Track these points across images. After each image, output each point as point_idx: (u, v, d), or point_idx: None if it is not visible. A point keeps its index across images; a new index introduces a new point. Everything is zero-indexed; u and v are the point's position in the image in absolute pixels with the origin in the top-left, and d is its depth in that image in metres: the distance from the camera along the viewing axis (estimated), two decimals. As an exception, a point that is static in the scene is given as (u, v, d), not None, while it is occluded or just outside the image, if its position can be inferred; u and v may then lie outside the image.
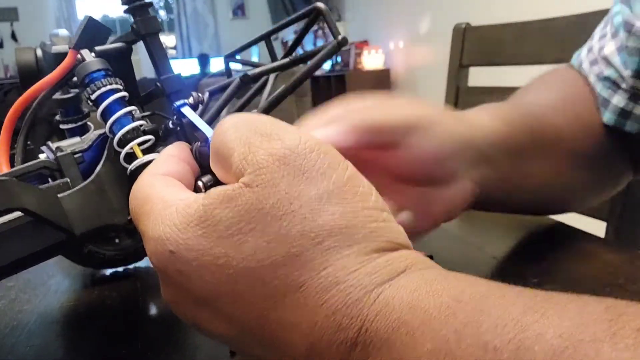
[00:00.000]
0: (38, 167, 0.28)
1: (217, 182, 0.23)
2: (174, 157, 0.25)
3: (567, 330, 0.15)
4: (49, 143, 0.30)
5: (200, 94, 0.27)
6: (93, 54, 0.28)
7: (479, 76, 1.04)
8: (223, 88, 0.29)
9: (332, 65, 4.97)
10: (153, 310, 0.39)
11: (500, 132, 0.38)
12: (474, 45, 0.98)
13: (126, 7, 0.28)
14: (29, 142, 0.32)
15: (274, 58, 0.31)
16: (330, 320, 0.18)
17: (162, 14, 6.68)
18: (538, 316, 0.16)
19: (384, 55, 4.43)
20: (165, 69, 0.28)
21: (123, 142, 0.27)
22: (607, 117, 0.45)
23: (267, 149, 0.20)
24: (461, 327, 0.16)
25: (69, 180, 0.28)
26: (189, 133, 0.26)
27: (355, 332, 0.18)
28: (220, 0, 6.60)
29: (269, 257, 0.19)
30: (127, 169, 0.27)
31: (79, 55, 0.28)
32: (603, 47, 0.47)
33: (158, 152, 0.27)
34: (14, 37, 5.78)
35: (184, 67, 5.35)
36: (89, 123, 0.33)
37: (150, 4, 0.28)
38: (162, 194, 0.22)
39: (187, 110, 0.26)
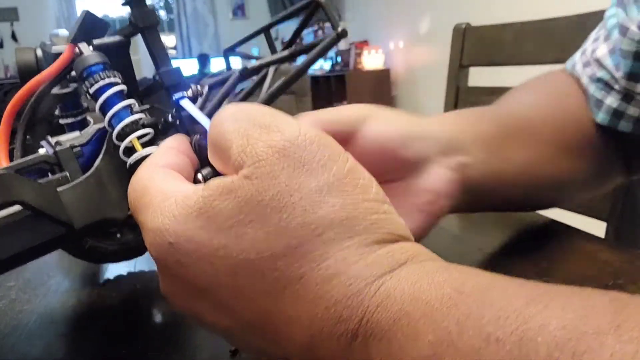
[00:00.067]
0: (37, 162, 0.28)
1: (216, 175, 0.23)
2: (173, 149, 0.24)
3: (571, 322, 0.15)
4: (48, 137, 0.30)
5: (199, 87, 0.27)
6: (91, 48, 0.28)
7: (479, 76, 1.04)
8: (222, 81, 0.29)
9: (332, 66, 4.98)
10: (153, 311, 0.39)
11: (464, 124, 0.39)
12: (474, 45, 0.98)
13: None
14: (28, 137, 0.32)
15: (273, 51, 0.31)
16: (331, 311, 0.18)
17: (162, 14, 6.69)
18: (541, 308, 0.16)
19: (384, 55, 4.44)
20: (163, 62, 0.28)
21: (122, 136, 0.27)
22: (601, 117, 0.46)
23: (267, 141, 0.20)
24: (463, 318, 0.16)
25: (68, 174, 0.28)
26: (188, 126, 0.26)
27: (356, 323, 0.18)
28: (220, 0, 6.61)
29: (268, 249, 0.19)
30: (126, 162, 0.27)
31: (76, 49, 0.28)
32: (596, 49, 0.48)
33: (157, 145, 0.27)
34: (14, 37, 5.79)
35: (184, 67, 5.35)
36: (88, 117, 0.33)
37: None
38: (161, 186, 0.22)
39: (186, 103, 0.26)
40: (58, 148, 0.28)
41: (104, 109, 0.27)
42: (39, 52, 0.32)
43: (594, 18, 0.63)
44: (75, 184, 0.27)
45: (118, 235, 0.41)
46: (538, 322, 0.15)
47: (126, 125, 0.27)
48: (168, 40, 6.50)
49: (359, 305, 0.18)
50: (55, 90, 0.32)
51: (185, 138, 0.26)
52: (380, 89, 4.26)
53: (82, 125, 0.33)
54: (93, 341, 0.35)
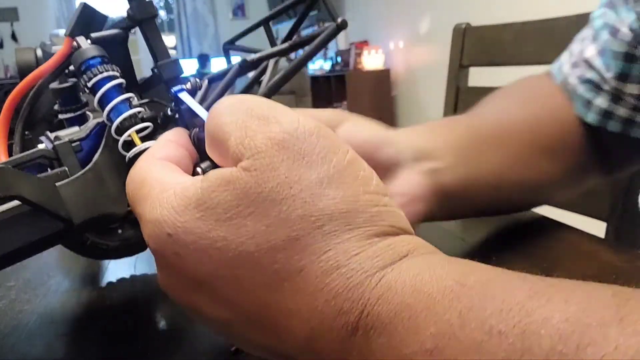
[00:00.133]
0: (36, 156, 0.28)
1: (216, 169, 0.23)
2: (172, 142, 0.24)
3: (574, 315, 0.15)
4: (48, 133, 0.30)
5: (198, 79, 0.27)
6: (89, 41, 0.28)
7: (479, 76, 1.03)
8: (222, 74, 0.28)
9: (332, 66, 4.99)
10: (153, 311, 0.39)
11: (434, 133, 0.41)
12: (474, 45, 0.98)
13: None
14: (27, 133, 0.32)
15: (273, 44, 0.31)
16: (331, 304, 0.18)
17: (162, 14, 6.68)
18: (544, 300, 0.16)
19: (384, 55, 4.44)
20: (162, 54, 0.27)
21: (121, 130, 0.27)
22: (591, 117, 0.47)
23: (265, 132, 0.20)
24: (465, 311, 0.16)
25: (67, 169, 0.27)
26: (187, 119, 0.26)
27: (356, 316, 0.18)
28: (220, 0, 6.61)
29: (268, 241, 0.19)
30: (125, 157, 0.27)
31: (74, 43, 0.28)
32: (584, 50, 0.48)
33: (157, 139, 0.27)
34: (14, 37, 5.79)
35: (184, 67, 5.36)
36: (87, 112, 0.33)
37: None
38: (160, 177, 0.22)
39: (184, 96, 0.26)
40: (57, 142, 0.28)
41: (103, 102, 0.27)
42: (39, 52, 0.32)
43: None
44: (74, 179, 0.27)
45: (119, 231, 0.41)
46: (541, 314, 0.15)
47: (125, 119, 0.27)
48: (168, 40, 6.50)
49: (360, 297, 0.18)
50: (54, 85, 0.31)
51: (184, 131, 0.25)
52: (380, 89, 4.27)
53: (81, 120, 0.33)
54: (93, 341, 0.35)
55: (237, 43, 0.32)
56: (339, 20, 0.26)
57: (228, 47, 0.32)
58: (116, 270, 0.45)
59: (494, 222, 0.50)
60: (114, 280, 0.44)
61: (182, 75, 0.27)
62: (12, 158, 0.27)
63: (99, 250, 0.40)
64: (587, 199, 0.73)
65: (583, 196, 0.73)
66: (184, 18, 6.54)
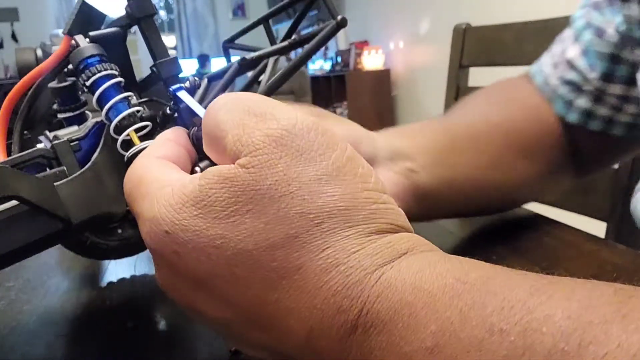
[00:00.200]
0: (35, 156, 0.27)
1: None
2: (170, 141, 0.24)
3: (576, 312, 0.15)
4: (46, 132, 0.30)
5: (197, 78, 0.27)
6: (87, 40, 0.28)
7: (479, 76, 1.03)
8: (221, 73, 0.28)
9: (332, 66, 4.98)
10: (153, 311, 0.39)
11: (409, 135, 0.41)
12: (474, 45, 0.98)
13: None
14: (26, 132, 0.32)
15: (272, 42, 0.30)
16: (330, 302, 0.18)
17: (162, 14, 6.68)
18: (545, 298, 0.15)
19: (384, 56, 4.44)
20: (161, 53, 0.27)
21: (120, 129, 0.27)
22: (572, 116, 0.47)
23: (263, 129, 0.20)
24: (466, 308, 0.16)
25: (65, 169, 0.27)
26: (186, 118, 0.26)
27: (355, 314, 0.17)
28: (220, 0, 6.61)
29: (266, 239, 0.18)
30: (124, 156, 0.27)
31: (73, 42, 0.28)
32: (565, 50, 0.49)
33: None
34: (14, 37, 5.78)
35: (184, 67, 5.36)
36: (87, 112, 0.33)
37: None
38: (158, 175, 0.22)
39: (183, 95, 0.26)
40: (55, 142, 0.28)
41: (101, 101, 0.27)
42: (39, 52, 0.32)
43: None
44: (73, 179, 0.27)
45: (119, 231, 0.41)
46: (543, 312, 0.15)
47: (124, 118, 0.26)
48: (168, 40, 6.50)
49: (359, 295, 0.18)
50: (53, 84, 0.31)
51: (183, 130, 0.25)
52: (380, 89, 4.26)
53: (80, 119, 0.33)
54: (93, 341, 0.35)
55: (237, 41, 0.32)
56: (339, 18, 0.26)
57: (228, 46, 0.31)
58: (116, 270, 0.45)
59: (493, 222, 0.50)
60: (114, 280, 0.44)
61: (181, 75, 0.27)
62: (10, 158, 0.27)
63: (99, 250, 0.40)
64: (587, 199, 0.73)
65: (583, 196, 0.73)
66: (184, 18, 6.55)
